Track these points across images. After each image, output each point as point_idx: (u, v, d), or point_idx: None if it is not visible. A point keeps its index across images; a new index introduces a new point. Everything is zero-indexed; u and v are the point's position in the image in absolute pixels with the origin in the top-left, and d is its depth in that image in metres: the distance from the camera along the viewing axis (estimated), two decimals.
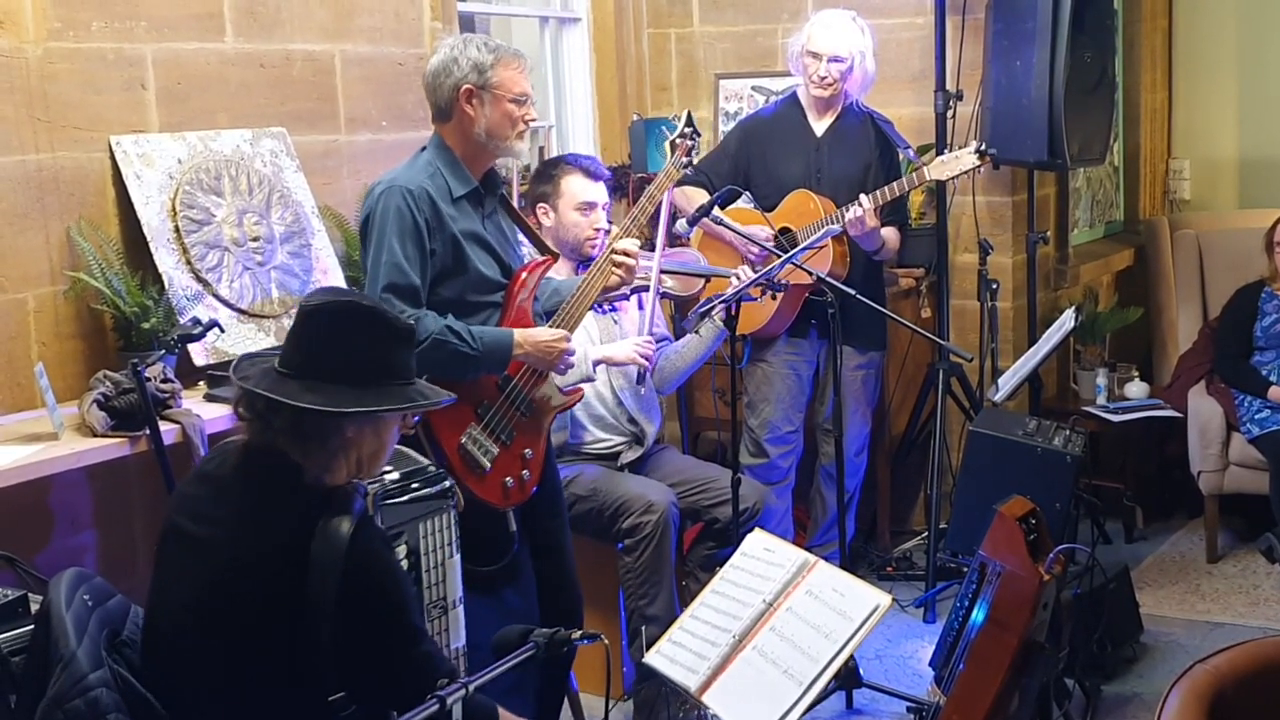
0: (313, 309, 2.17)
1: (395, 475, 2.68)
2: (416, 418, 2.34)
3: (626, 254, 3.19)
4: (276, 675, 2.07)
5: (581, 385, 3.46)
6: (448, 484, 2.78)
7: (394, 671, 2.11)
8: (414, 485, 2.69)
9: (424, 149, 3.08)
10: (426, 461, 2.84)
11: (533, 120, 3.06)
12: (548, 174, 3.73)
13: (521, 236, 3.31)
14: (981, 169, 4.16)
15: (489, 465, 3.02)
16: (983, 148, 4.03)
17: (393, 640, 2.12)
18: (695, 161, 3.47)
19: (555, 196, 3.69)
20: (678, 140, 3.38)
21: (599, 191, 3.73)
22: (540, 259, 3.20)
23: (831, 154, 4.24)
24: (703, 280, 3.99)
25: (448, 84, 2.99)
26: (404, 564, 2.58)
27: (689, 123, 3.40)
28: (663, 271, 3.81)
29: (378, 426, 2.19)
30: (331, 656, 2.05)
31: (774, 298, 4.02)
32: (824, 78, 4.14)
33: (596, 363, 3.64)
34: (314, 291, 2.26)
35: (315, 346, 2.15)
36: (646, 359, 3.68)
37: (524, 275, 3.11)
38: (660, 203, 3.55)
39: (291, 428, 2.10)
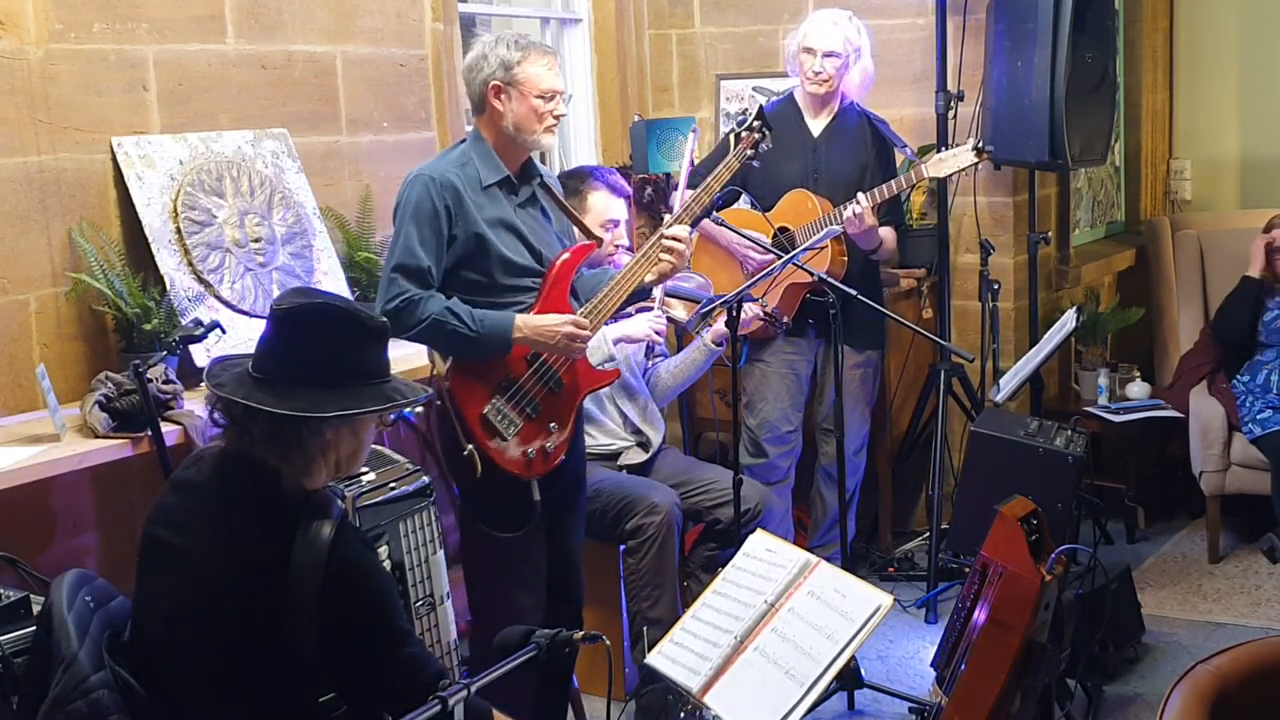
0: (284, 312, 2.15)
1: (372, 476, 2.68)
2: (394, 415, 2.33)
3: (677, 239, 3.19)
4: (264, 680, 2.07)
5: (610, 365, 3.48)
6: (426, 481, 2.79)
7: (381, 673, 2.10)
8: (391, 485, 2.69)
9: (463, 140, 3.18)
10: (403, 460, 2.85)
11: (562, 115, 3.13)
12: (574, 188, 3.73)
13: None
14: (979, 166, 4.17)
15: (509, 437, 3.06)
16: (980, 144, 4.03)
17: (378, 642, 2.11)
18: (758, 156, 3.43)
19: (580, 212, 3.69)
20: (744, 133, 3.38)
21: (621, 208, 3.75)
22: (583, 243, 3.23)
23: (829, 153, 4.24)
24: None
25: (478, 79, 3.08)
26: (385, 564, 2.58)
27: (759, 115, 3.37)
28: (669, 295, 3.81)
29: (355, 427, 2.18)
30: (317, 660, 2.04)
31: (774, 334, 4.03)
32: (819, 73, 4.14)
33: (616, 340, 3.71)
34: (284, 293, 2.24)
35: (289, 350, 2.13)
36: (660, 334, 3.77)
37: (563, 259, 3.15)
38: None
39: (269, 434, 2.09)
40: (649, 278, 3.23)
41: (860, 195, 4.03)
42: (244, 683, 2.07)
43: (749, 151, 3.38)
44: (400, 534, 2.66)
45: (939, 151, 4.27)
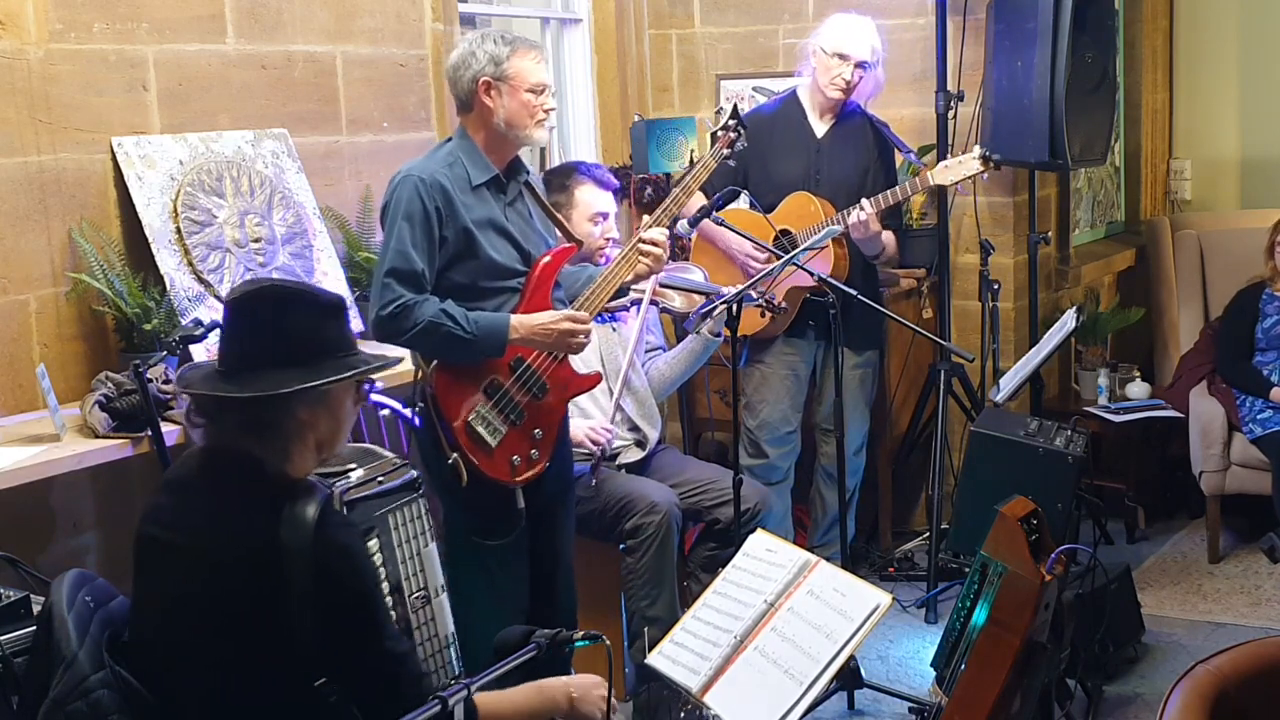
0: (235, 301, 2.17)
1: (360, 472, 2.68)
2: (368, 387, 2.33)
3: (654, 243, 3.22)
4: (264, 668, 2.07)
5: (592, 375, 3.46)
6: (414, 475, 2.78)
7: (363, 662, 2.10)
8: (379, 479, 2.69)
9: (449, 139, 3.16)
10: (390, 455, 2.85)
11: (551, 109, 3.13)
12: (560, 183, 3.74)
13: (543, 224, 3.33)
14: (985, 175, 4.13)
15: (495, 443, 3.06)
16: (987, 153, 4.00)
17: (362, 629, 2.11)
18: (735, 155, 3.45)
19: (569, 207, 3.69)
20: (720, 133, 3.39)
21: (609, 201, 3.75)
22: (564, 245, 3.22)
23: (831, 156, 4.23)
24: (704, 297, 3.97)
25: (466, 77, 3.06)
26: (377, 558, 2.58)
27: (734, 114, 3.40)
28: (663, 285, 3.81)
29: (330, 405, 2.17)
30: (313, 642, 2.04)
31: (772, 319, 4.01)
32: (848, 81, 4.12)
33: None
34: (236, 285, 2.26)
35: (246, 337, 2.14)
36: (597, 444, 3.68)
37: (545, 261, 3.14)
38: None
39: (243, 422, 2.10)
40: (627, 278, 3.24)
41: (865, 201, 4.01)
42: (244, 672, 2.08)
43: (725, 151, 3.39)
44: (390, 527, 2.65)
45: (944, 159, 4.25)
